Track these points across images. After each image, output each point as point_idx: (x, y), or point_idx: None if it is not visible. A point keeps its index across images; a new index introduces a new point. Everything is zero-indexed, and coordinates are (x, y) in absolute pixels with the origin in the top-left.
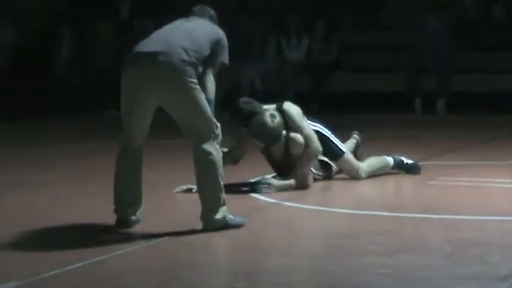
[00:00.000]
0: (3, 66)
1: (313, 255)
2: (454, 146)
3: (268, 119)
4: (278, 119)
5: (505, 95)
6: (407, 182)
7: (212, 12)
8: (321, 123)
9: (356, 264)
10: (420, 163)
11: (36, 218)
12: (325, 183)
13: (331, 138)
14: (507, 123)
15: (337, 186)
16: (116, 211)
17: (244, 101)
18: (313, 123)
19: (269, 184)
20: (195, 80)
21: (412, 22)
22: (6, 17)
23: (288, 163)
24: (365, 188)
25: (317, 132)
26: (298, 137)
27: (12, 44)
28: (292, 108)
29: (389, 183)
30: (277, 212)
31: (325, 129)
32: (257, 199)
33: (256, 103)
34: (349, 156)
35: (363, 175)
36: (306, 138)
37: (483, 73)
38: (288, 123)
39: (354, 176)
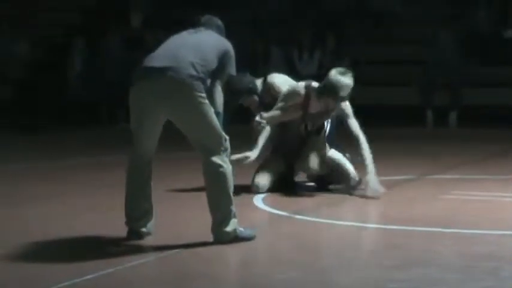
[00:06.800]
0: (18, 79)
1: (324, 269)
2: (467, 159)
3: None
4: None
5: None
6: (419, 195)
7: (219, 22)
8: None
9: (367, 278)
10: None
11: (48, 229)
12: (337, 196)
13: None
14: None
15: (348, 199)
16: (127, 223)
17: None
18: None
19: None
20: (204, 95)
21: (424, 36)
22: (20, 30)
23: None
24: (376, 202)
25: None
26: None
27: (26, 56)
28: None
29: (402, 197)
30: (288, 225)
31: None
32: (268, 212)
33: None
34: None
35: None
36: None
37: (495, 87)
38: None
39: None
